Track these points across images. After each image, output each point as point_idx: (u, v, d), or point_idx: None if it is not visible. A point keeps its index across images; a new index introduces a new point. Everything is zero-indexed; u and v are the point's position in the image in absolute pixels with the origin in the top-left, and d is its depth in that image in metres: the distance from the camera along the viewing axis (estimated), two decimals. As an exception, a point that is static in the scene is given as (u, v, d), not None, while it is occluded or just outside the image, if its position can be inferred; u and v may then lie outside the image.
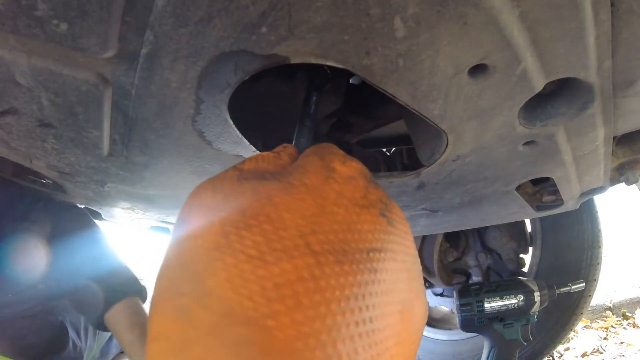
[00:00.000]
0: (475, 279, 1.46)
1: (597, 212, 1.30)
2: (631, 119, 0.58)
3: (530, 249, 1.39)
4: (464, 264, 1.49)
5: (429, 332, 1.60)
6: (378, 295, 0.23)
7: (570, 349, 1.84)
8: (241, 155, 0.54)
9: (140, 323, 0.84)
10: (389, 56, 0.35)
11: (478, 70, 0.38)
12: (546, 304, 1.15)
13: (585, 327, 2.06)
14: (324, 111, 0.63)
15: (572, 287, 1.16)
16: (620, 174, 0.80)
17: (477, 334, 1.20)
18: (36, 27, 0.31)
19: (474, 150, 0.54)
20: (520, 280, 1.14)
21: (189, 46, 0.34)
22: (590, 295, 1.29)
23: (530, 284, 1.13)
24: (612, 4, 0.35)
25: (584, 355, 1.78)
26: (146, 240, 2.37)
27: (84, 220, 0.94)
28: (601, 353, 1.79)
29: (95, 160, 0.57)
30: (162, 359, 0.19)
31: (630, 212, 3.17)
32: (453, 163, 0.57)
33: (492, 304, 1.13)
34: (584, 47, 0.37)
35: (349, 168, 0.28)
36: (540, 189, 0.83)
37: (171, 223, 1.01)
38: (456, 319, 1.20)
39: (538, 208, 0.85)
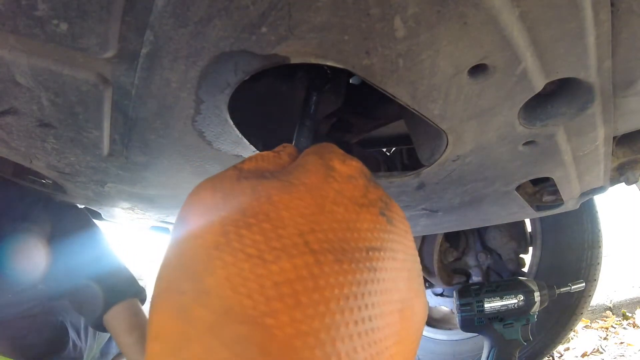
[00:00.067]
0: (475, 279, 1.46)
1: (597, 212, 1.30)
2: (631, 119, 0.58)
3: (530, 249, 1.40)
4: (464, 264, 1.49)
5: (429, 332, 1.60)
6: (377, 294, 0.23)
7: (570, 349, 1.84)
8: (241, 155, 0.54)
9: (139, 325, 0.84)
10: (389, 56, 0.35)
11: (478, 70, 0.38)
12: (546, 304, 1.15)
13: (585, 327, 2.06)
14: (324, 111, 0.63)
15: (572, 287, 1.16)
16: (620, 174, 0.80)
17: (477, 334, 1.20)
18: (36, 27, 0.32)
19: (474, 150, 0.54)
20: (520, 280, 1.14)
21: (189, 46, 0.34)
22: (590, 295, 1.29)
23: (530, 284, 1.13)
24: (612, 4, 0.35)
25: (584, 355, 1.78)
26: (146, 240, 2.37)
27: (84, 220, 0.94)
28: (601, 353, 1.79)
29: (95, 160, 0.57)
30: (162, 358, 0.19)
31: (630, 212, 3.17)
32: (453, 163, 0.57)
33: (492, 304, 1.13)
34: (584, 47, 0.37)
35: (348, 167, 0.28)
36: (540, 189, 0.83)
37: (171, 223, 1.01)
38: (456, 319, 1.20)
39: (538, 208, 0.85)
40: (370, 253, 0.24)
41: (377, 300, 0.23)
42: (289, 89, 0.57)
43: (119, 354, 1.33)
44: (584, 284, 1.17)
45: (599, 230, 1.29)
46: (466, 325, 1.16)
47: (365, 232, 0.25)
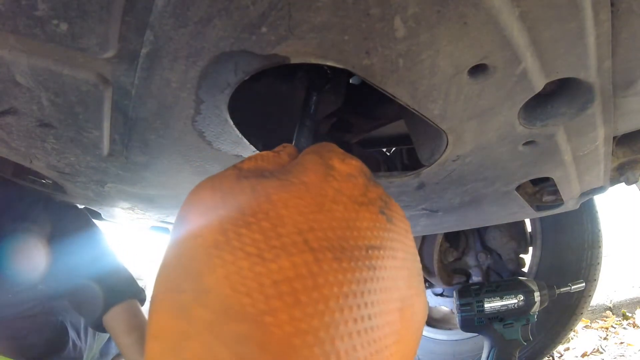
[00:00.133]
0: (475, 279, 1.46)
1: (597, 212, 1.30)
2: (631, 119, 0.58)
3: (530, 249, 1.39)
4: (464, 264, 1.49)
5: (429, 332, 1.59)
6: (377, 293, 0.23)
7: (570, 349, 1.84)
8: (241, 155, 0.54)
9: (138, 326, 0.85)
10: (389, 56, 0.35)
11: (478, 70, 0.38)
12: (546, 304, 1.15)
13: (585, 327, 2.06)
14: (324, 111, 0.63)
15: (572, 287, 1.16)
16: (620, 174, 0.80)
17: (477, 334, 1.20)
18: (36, 27, 0.32)
19: (474, 150, 0.54)
20: (520, 280, 1.14)
21: (189, 46, 0.34)
22: (590, 295, 1.29)
23: (530, 284, 1.13)
24: (612, 4, 0.35)
25: (584, 355, 1.78)
26: (146, 240, 2.37)
27: (84, 220, 0.94)
28: (601, 353, 1.79)
29: (95, 160, 0.57)
30: (161, 357, 0.19)
31: (630, 212, 3.17)
32: (453, 163, 0.57)
33: (492, 304, 1.13)
34: (584, 47, 0.37)
35: (348, 166, 0.28)
36: (540, 189, 0.83)
37: (171, 223, 1.01)
38: (456, 319, 1.20)
39: (538, 208, 0.85)
40: (370, 251, 0.24)
41: (377, 298, 0.23)
42: (289, 89, 0.57)
43: (119, 354, 1.33)
44: (584, 284, 1.17)
45: (599, 230, 1.29)
46: (466, 325, 1.16)
47: (364, 230, 0.25)
